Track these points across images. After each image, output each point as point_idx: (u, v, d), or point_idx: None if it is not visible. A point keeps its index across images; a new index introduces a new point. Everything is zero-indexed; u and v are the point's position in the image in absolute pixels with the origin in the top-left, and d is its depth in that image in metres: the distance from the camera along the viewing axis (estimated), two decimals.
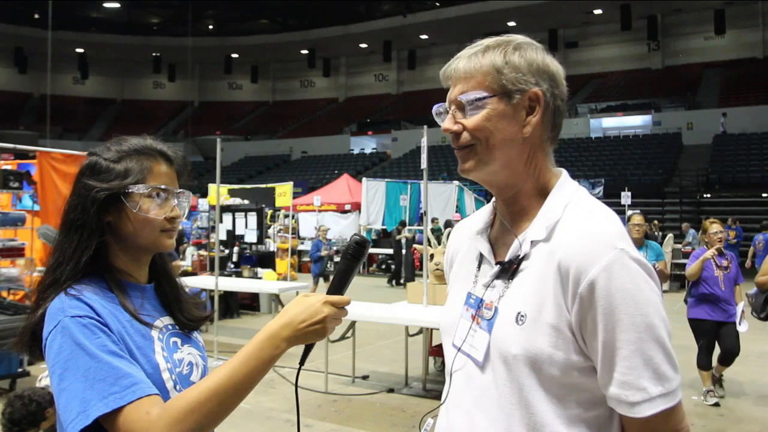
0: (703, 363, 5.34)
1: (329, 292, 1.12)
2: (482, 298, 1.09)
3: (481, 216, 1.21)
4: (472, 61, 1.08)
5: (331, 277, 1.24)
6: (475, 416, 1.05)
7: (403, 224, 13.79)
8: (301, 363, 1.16)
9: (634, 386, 0.93)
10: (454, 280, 1.24)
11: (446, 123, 1.10)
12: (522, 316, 1.00)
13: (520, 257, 1.05)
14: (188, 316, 1.28)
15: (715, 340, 5.34)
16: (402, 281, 14.20)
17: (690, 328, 5.45)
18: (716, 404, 5.23)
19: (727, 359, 5.35)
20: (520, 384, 0.99)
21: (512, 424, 1.00)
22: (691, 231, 15.29)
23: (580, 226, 1.00)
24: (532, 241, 1.04)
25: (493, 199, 1.18)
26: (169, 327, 1.24)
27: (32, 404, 2.72)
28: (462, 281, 1.19)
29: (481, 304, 1.09)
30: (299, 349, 1.15)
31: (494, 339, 1.04)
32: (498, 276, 1.08)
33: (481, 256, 1.15)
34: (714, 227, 5.39)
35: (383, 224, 13.71)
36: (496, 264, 1.09)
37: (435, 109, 1.13)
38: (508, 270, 1.06)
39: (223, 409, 1.03)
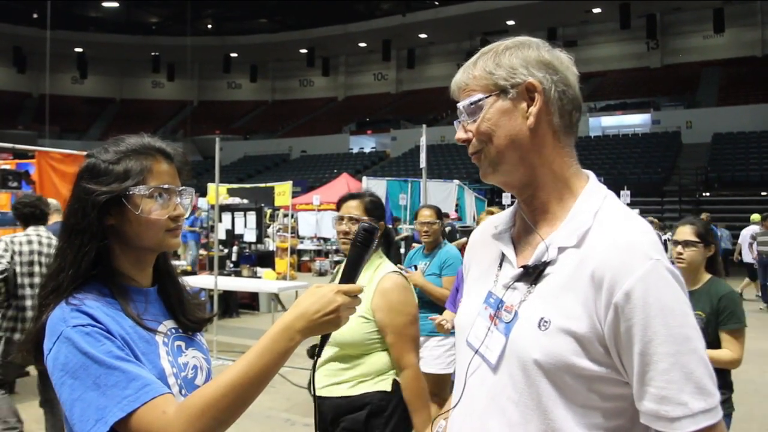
0: None
1: (341, 281, 1.12)
2: (502, 299, 1.07)
3: (504, 216, 1.20)
4: (467, 71, 1.11)
5: (342, 267, 1.25)
6: (489, 421, 1.03)
7: (397, 220, 13.76)
8: (318, 355, 1.16)
9: (674, 401, 0.89)
10: (474, 278, 1.22)
11: (458, 133, 1.12)
12: (546, 322, 0.98)
13: (545, 262, 1.03)
14: (191, 318, 1.27)
15: None
16: None
17: None
18: None
19: None
20: (539, 390, 0.97)
21: (529, 430, 0.98)
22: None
23: (614, 236, 0.98)
24: (559, 247, 1.02)
25: (516, 201, 1.18)
26: (173, 330, 1.23)
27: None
28: (482, 279, 1.17)
29: (500, 305, 1.07)
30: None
31: (512, 343, 1.02)
32: (520, 278, 1.06)
33: (503, 255, 1.13)
34: None
35: (387, 223, 13.68)
36: (520, 267, 1.07)
37: (455, 124, 1.15)
38: (532, 274, 1.04)
39: (240, 404, 1.03)
